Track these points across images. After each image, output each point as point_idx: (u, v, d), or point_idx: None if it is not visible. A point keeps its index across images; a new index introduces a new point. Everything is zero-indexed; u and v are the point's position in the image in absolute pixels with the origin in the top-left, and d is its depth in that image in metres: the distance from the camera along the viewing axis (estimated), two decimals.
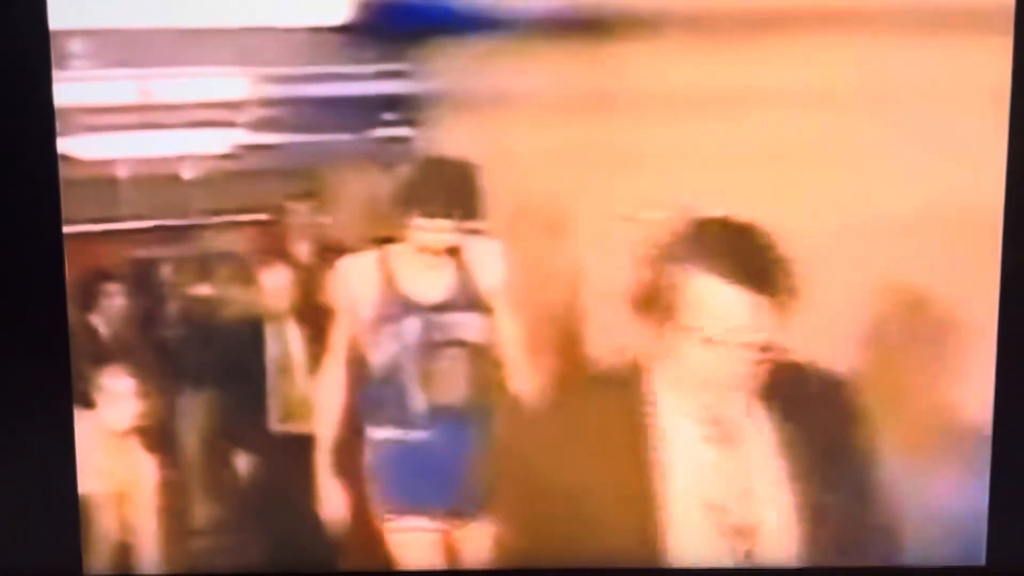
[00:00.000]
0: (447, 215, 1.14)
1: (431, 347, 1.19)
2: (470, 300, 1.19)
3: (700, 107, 1.00)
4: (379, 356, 1.20)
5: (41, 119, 0.97)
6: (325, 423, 1.18)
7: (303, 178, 1.04)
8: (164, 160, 1.00)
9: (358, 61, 0.97)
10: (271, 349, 1.13)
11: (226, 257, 1.06)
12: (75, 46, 0.97)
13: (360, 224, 1.08)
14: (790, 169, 1.01)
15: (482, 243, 1.15)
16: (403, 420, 1.20)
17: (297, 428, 1.17)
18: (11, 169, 0.99)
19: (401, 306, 1.19)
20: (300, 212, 1.06)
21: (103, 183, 1.01)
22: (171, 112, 1.00)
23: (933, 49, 0.97)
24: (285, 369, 1.15)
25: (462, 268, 1.18)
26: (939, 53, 0.97)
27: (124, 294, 1.06)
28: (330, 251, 1.10)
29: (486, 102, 1.02)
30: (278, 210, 1.07)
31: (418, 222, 1.14)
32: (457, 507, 1.22)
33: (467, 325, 1.20)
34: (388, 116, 1.01)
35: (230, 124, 0.99)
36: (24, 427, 1.08)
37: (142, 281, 1.06)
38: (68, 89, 0.99)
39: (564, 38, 0.99)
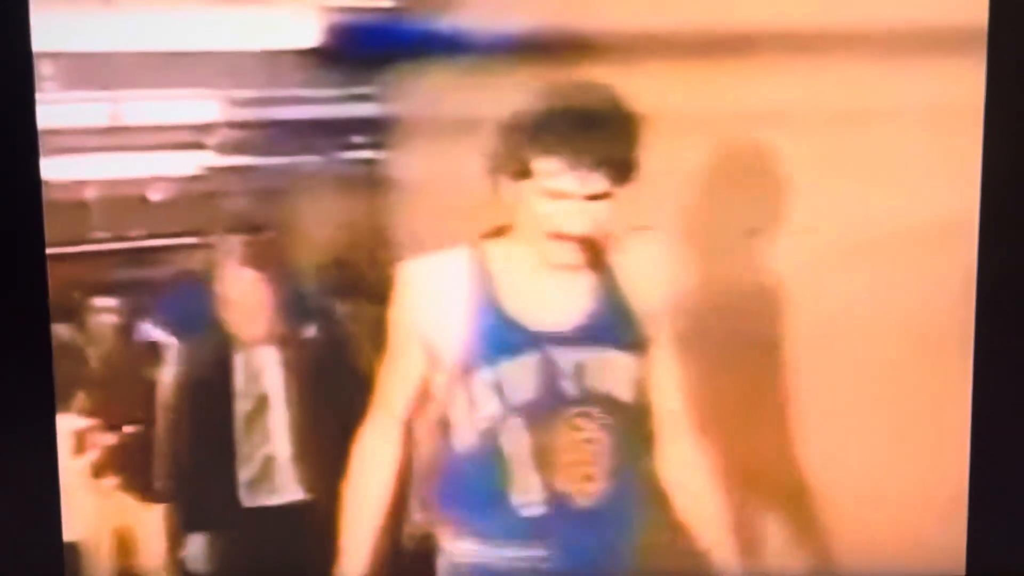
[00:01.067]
0: (597, 166, 0.90)
1: (556, 405, 0.90)
2: (620, 329, 0.90)
3: (675, 127, 0.97)
4: (466, 419, 0.91)
5: (24, 141, 0.99)
6: (358, 519, 0.94)
7: (272, 199, 1.00)
8: (133, 182, 1.01)
9: (327, 84, 1.01)
10: (244, 391, 0.98)
11: (195, 278, 1.00)
12: (45, 69, 1.00)
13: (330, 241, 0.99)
14: (773, 186, 1.00)
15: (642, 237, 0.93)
16: (503, 526, 0.91)
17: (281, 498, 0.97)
18: None
19: (507, 336, 0.90)
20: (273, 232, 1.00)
21: (72, 205, 1.00)
22: (140, 134, 1.00)
23: (909, 69, 1.00)
24: (259, 415, 0.97)
25: (607, 276, 0.90)
26: (914, 73, 1.00)
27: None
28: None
29: (455, 125, 0.98)
30: (254, 230, 0.99)
31: (550, 183, 0.90)
32: None
33: (616, 371, 0.90)
34: (357, 139, 1.00)
35: (199, 146, 1.01)
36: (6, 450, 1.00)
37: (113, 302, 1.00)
38: (39, 111, 1.01)
39: (532, 61, 0.97)
